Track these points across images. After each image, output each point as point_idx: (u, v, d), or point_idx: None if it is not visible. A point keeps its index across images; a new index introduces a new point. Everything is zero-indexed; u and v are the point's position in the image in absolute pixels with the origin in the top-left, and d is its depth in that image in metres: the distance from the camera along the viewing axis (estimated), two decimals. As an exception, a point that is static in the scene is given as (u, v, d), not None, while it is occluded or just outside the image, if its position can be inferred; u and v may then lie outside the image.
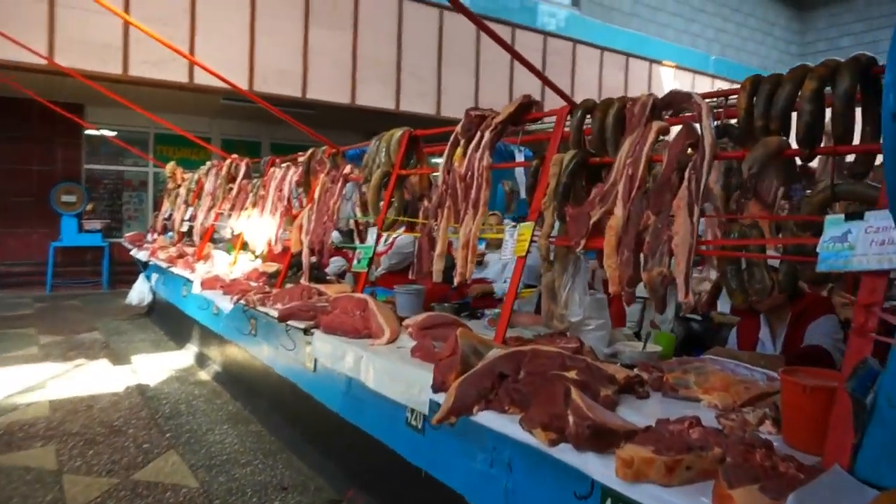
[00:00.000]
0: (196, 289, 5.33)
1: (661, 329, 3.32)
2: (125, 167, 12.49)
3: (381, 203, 3.93)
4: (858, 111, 1.94)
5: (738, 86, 2.16)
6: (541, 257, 2.68)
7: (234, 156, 6.84)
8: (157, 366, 6.14)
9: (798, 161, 2.12)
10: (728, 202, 2.20)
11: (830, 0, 17.84)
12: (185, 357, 6.50)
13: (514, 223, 2.95)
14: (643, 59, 14.34)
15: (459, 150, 3.31)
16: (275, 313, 3.70)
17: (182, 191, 8.41)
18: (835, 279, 2.38)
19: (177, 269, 6.35)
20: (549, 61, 12.52)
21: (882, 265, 1.65)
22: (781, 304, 2.84)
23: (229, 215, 6.33)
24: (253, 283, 4.84)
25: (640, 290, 2.40)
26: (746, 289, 2.12)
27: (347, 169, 4.54)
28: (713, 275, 2.59)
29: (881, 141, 1.37)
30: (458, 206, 3.25)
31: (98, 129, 10.86)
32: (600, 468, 1.66)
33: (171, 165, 9.22)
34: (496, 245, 4.97)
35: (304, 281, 4.46)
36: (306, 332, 3.44)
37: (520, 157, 3.21)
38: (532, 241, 2.69)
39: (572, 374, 2.12)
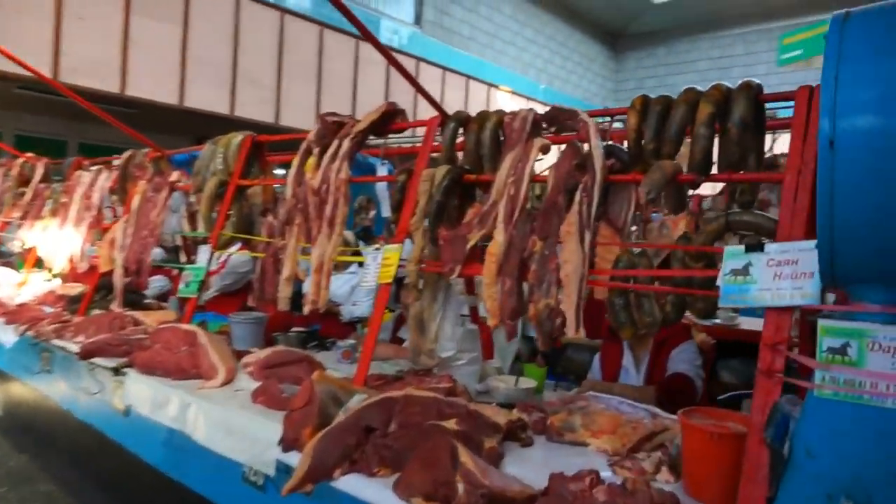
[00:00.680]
0: (-33, 315, 4.29)
1: (516, 356, 3.15)
2: None
3: (216, 216, 3.39)
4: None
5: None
6: (409, 284, 2.38)
7: (30, 154, 5.74)
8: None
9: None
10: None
11: (638, 46, 19.84)
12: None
13: (378, 245, 2.62)
14: (482, 81, 14.75)
15: (312, 160, 2.91)
16: (75, 348, 3.01)
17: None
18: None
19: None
20: (394, 77, 12.38)
21: (785, 301, 1.56)
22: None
23: (20, 225, 5.26)
24: (48, 309, 3.99)
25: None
26: (635, 322, 1.98)
27: (174, 176, 3.90)
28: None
29: (816, 168, 1.25)
30: (310, 224, 2.85)
31: None
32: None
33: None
34: (342, 266, 4.58)
35: (116, 307, 3.74)
36: (117, 371, 2.80)
37: (382, 171, 2.89)
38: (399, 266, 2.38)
39: (452, 424, 1.82)
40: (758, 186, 1.91)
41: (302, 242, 2.90)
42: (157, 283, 4.82)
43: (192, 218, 4.16)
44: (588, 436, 1.96)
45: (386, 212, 3.00)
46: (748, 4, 16.19)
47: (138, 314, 3.47)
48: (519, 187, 2.13)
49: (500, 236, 2.11)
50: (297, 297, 3.02)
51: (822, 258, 1.31)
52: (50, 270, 4.85)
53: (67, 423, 3.55)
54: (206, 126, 9.38)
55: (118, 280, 3.80)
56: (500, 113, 2.38)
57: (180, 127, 11.11)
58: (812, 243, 1.55)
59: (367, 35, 2.43)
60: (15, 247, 5.78)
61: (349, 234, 4.68)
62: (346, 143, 2.76)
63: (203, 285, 3.43)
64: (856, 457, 1.29)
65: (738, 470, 1.50)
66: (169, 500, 2.82)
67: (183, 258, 4.79)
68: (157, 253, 4.38)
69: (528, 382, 2.50)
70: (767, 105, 1.87)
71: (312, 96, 11.02)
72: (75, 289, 4.48)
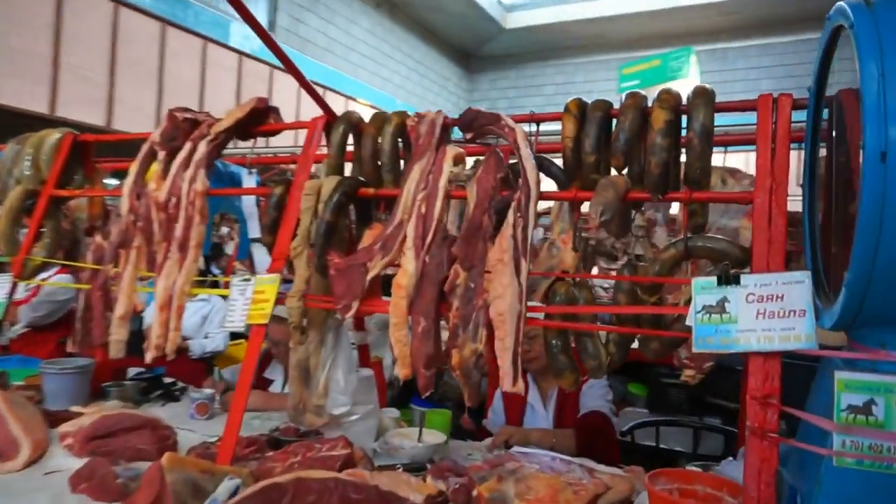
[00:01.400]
0: None
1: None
2: None
3: (23, 235, 2.63)
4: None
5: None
6: (290, 325, 1.88)
7: None
8: None
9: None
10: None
11: (491, 68, 20.47)
12: None
13: (244, 274, 2.08)
14: (341, 94, 14.26)
15: (157, 167, 2.31)
16: None
17: None
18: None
19: None
20: (246, 84, 11.53)
21: (774, 345, 1.30)
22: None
23: None
24: None
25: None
26: (576, 367, 1.66)
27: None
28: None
29: (861, 183, 0.98)
30: (154, 247, 2.25)
31: None
32: None
33: None
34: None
35: None
36: None
37: (249, 183, 2.37)
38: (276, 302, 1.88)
39: (361, 516, 1.38)
40: (707, 207, 1.68)
41: (142, 270, 2.29)
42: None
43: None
44: (525, 508, 1.60)
45: (254, 232, 2.47)
46: (589, 36, 17.22)
47: None
48: (432, 204, 1.74)
49: (409, 265, 1.70)
50: (135, 338, 2.39)
51: (854, 291, 1.05)
52: None
53: None
54: (21, 127, 7.98)
55: None
56: (402, 115, 1.98)
57: (-16, 127, 9.43)
58: (803, 275, 1.32)
59: (284, 62, 1.93)
60: None
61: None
62: (203, 147, 2.21)
63: (4, 320, 2.65)
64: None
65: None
66: None
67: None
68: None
69: (433, 436, 2.10)
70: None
71: (153, 100, 9.88)
72: None
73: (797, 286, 1.31)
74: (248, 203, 2.36)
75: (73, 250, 2.75)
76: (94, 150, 2.75)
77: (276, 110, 2.29)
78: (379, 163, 1.94)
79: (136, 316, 2.58)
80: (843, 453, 1.11)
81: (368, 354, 2.46)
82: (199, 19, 10.96)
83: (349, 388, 1.89)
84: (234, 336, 3.86)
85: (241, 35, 12.23)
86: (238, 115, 2.22)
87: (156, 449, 1.88)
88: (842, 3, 1.13)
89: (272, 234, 2.03)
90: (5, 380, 2.57)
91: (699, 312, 1.38)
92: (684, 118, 1.56)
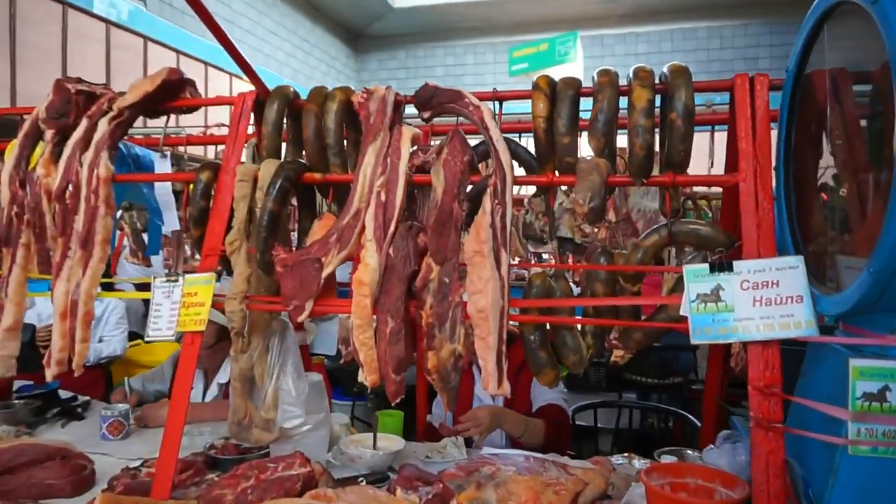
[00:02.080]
0: None
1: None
2: None
3: None
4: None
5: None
6: (231, 331, 1.65)
7: None
8: None
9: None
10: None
11: (380, 47, 20.09)
12: None
13: (170, 274, 1.80)
14: (223, 70, 13.38)
15: (43, 148, 1.97)
16: None
17: None
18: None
19: None
20: (116, 56, 10.46)
21: (775, 333, 1.27)
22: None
23: None
24: None
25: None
26: (556, 363, 1.57)
27: None
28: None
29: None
30: (46, 244, 1.92)
31: None
32: None
33: None
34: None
35: None
36: None
37: (163, 167, 2.05)
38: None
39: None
40: (679, 191, 1.64)
41: (32, 272, 1.94)
42: None
43: None
44: (509, 515, 1.50)
45: (172, 224, 2.16)
46: (477, 19, 17.30)
47: None
48: (392, 190, 1.58)
49: (371, 259, 1.53)
50: (28, 350, 2.04)
51: (880, 279, 1.03)
52: None
53: None
54: None
55: None
56: (347, 91, 1.78)
57: None
58: (797, 260, 1.30)
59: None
60: None
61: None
62: (105, 125, 1.89)
63: None
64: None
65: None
66: None
67: None
68: None
69: (390, 441, 1.95)
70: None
71: (4, 72, 8.73)
72: None
73: (791, 272, 1.28)
74: (163, 191, 2.06)
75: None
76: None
77: (192, 83, 2.00)
78: (323, 145, 1.74)
79: (28, 325, 2.21)
80: (859, 441, 1.09)
81: (310, 355, 2.25)
82: (55, -21, 9.79)
83: (300, 398, 1.69)
84: (132, 336, 3.46)
85: (106, 3, 11.10)
86: (146, 89, 1.92)
87: (69, 483, 1.60)
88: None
89: (200, 226, 1.78)
90: None
91: (694, 301, 1.33)
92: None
